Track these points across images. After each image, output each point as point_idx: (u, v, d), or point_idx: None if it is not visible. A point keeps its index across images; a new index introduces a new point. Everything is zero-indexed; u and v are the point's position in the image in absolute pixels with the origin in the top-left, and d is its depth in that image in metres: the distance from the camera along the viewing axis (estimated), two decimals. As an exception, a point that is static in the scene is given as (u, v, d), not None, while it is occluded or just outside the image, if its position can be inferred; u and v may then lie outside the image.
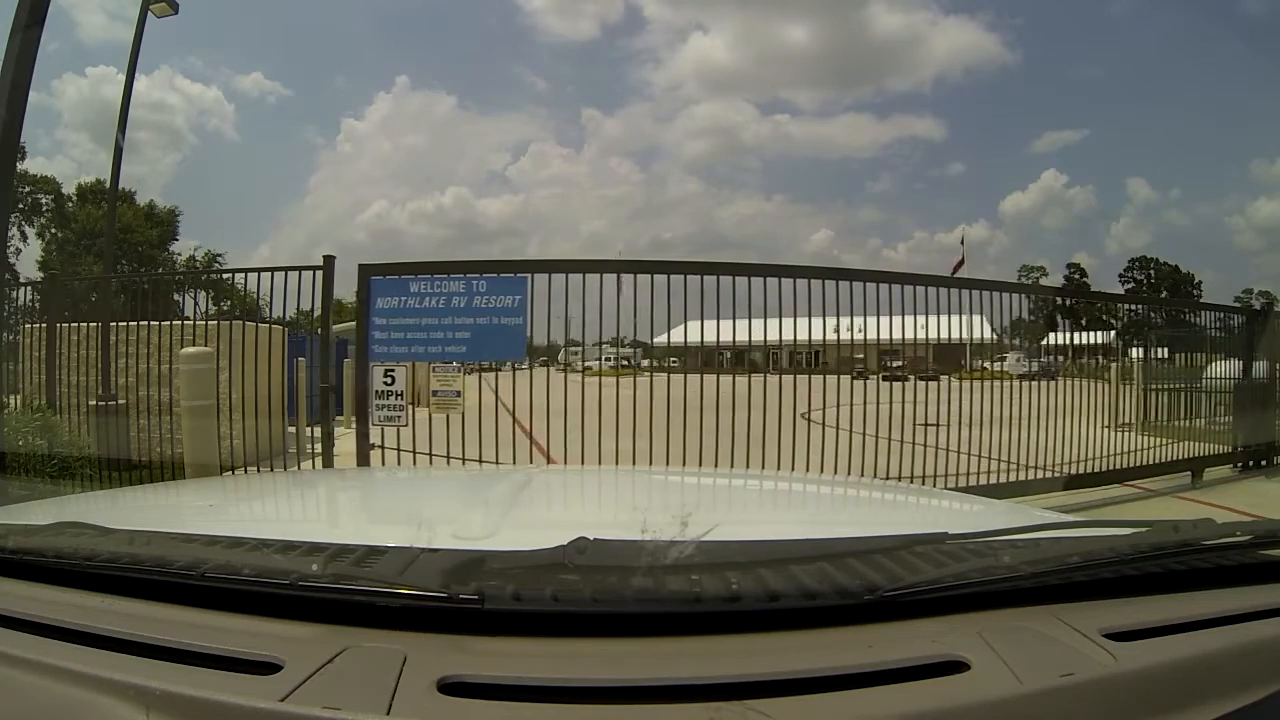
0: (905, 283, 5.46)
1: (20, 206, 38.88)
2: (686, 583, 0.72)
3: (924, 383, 6.04)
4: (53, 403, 6.05)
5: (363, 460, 4.67)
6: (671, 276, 5.07)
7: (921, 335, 6.24)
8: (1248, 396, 7.25)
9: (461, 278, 4.79)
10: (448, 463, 4.66)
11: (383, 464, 4.75)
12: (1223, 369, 7.75)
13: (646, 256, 26.96)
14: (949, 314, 5.57)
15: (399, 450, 4.86)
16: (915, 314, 5.55)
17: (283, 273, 5.33)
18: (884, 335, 5.96)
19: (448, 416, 4.82)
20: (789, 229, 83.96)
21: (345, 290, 5.23)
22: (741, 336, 5.56)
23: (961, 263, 40.38)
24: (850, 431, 5.34)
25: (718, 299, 4.98)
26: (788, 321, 5.33)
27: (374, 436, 4.78)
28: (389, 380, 4.73)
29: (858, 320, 5.40)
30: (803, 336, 5.30)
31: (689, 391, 5.10)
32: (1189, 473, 6.67)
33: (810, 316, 5.12)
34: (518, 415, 5.07)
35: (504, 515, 1.35)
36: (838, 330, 5.46)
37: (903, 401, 5.57)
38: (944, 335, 5.74)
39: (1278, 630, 0.77)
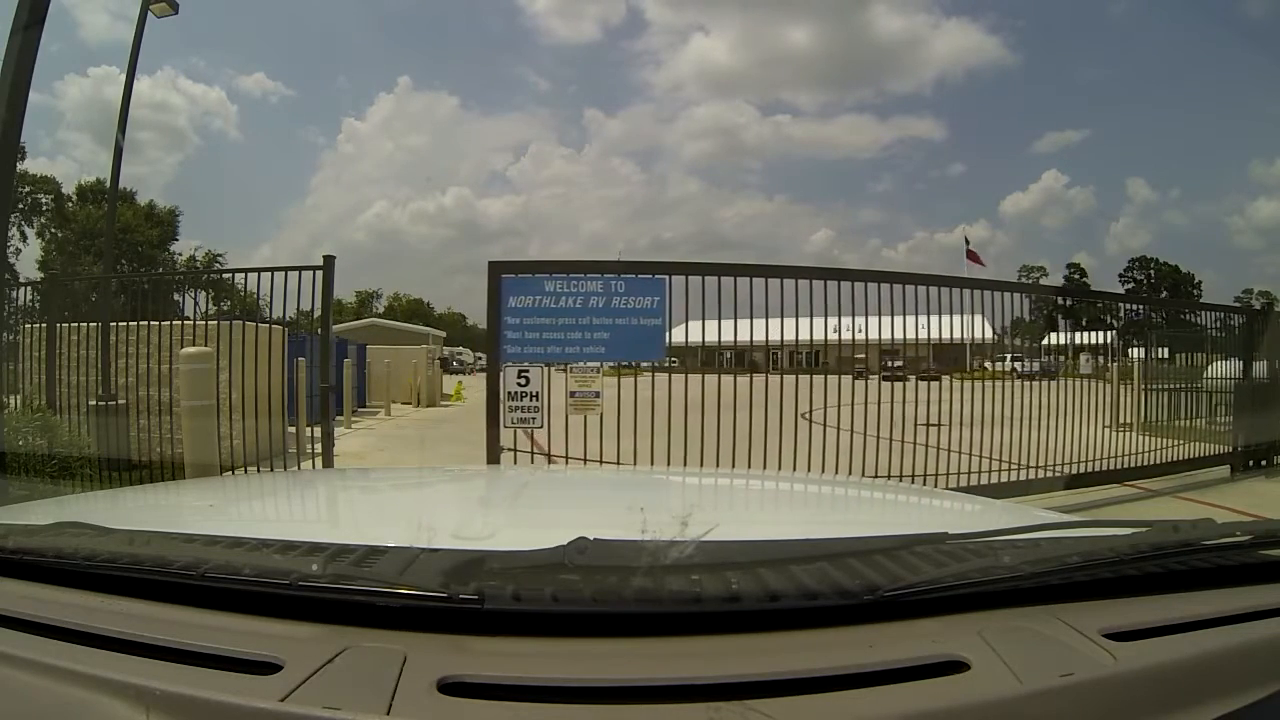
0: (905, 282, 5.46)
1: (20, 206, 38.88)
2: (686, 583, 0.72)
3: (924, 382, 6.04)
4: (53, 403, 6.06)
5: (492, 464, 4.49)
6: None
7: (922, 335, 6.24)
8: (1248, 396, 7.26)
9: (599, 277, 4.71)
10: (584, 463, 4.51)
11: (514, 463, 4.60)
12: (1223, 369, 7.75)
13: (647, 256, 27.08)
14: (949, 314, 5.56)
15: (532, 453, 4.71)
16: (915, 314, 5.55)
17: (283, 273, 5.35)
18: (884, 335, 5.96)
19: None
20: (789, 229, 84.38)
21: (343, 290, 5.24)
22: (742, 336, 5.55)
23: (970, 250, 41.02)
24: (850, 431, 5.34)
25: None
26: (788, 322, 5.33)
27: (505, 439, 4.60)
28: (523, 381, 4.61)
29: (858, 320, 5.39)
30: (803, 336, 5.30)
31: (689, 392, 5.09)
32: (1227, 466, 6.95)
33: (810, 316, 5.12)
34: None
35: (504, 515, 1.35)
36: (830, 330, 5.45)
37: (900, 401, 5.57)
38: (944, 335, 5.74)
39: (1278, 630, 0.77)
